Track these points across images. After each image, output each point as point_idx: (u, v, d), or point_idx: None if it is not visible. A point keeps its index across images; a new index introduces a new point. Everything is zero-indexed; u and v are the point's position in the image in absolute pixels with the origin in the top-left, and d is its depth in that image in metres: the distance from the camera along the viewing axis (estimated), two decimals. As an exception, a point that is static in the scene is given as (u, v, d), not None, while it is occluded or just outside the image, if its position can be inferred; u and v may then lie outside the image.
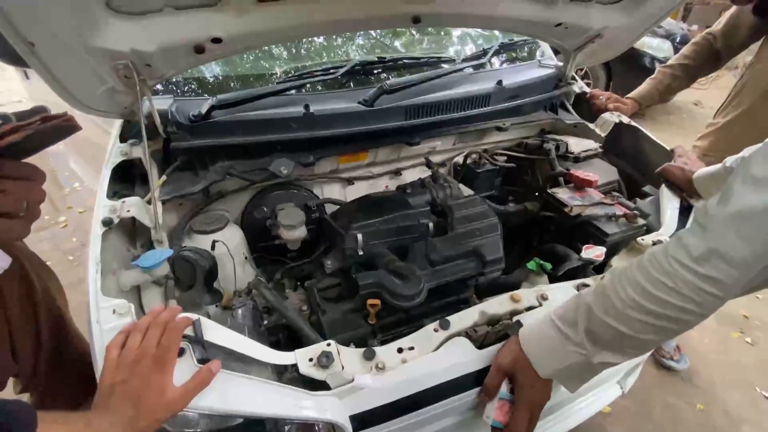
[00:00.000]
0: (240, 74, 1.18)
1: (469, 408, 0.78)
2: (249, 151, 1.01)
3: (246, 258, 1.04)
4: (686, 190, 1.08)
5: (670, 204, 1.09)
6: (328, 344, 0.69)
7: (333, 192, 1.27)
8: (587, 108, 1.54)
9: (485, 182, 1.38)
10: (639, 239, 0.99)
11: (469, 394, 0.75)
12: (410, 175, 1.37)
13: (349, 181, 1.27)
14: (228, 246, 0.94)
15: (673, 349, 1.86)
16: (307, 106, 1.01)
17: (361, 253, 0.97)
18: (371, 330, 0.88)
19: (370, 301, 0.85)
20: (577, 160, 1.35)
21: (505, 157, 1.40)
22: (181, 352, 0.59)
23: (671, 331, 0.57)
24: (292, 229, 0.96)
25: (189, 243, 0.94)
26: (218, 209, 1.07)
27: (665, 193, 1.13)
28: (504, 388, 0.73)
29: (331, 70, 1.16)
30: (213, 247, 0.91)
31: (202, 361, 0.60)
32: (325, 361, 0.65)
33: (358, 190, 1.30)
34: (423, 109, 1.14)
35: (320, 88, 1.16)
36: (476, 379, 0.75)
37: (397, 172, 1.34)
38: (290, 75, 1.17)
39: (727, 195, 0.50)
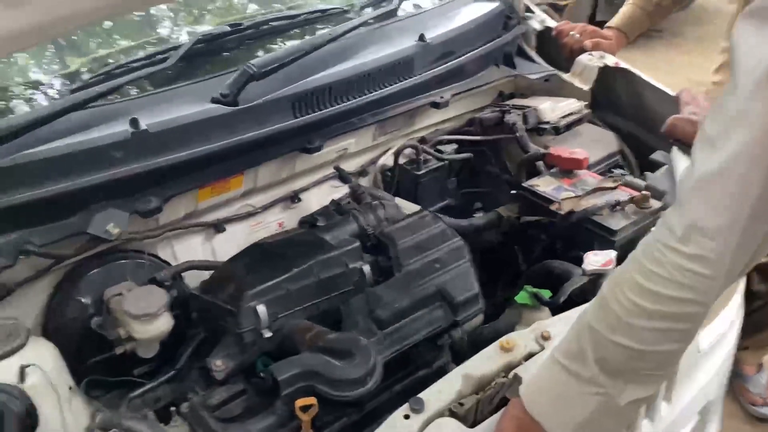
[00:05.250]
0: (6, 85, 1.32)
1: None
2: (47, 210, 1.13)
3: (71, 388, 1.13)
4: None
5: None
6: None
7: (192, 249, 1.42)
8: (556, 50, 1.94)
9: (433, 188, 1.65)
10: (656, 229, 1.33)
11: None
12: (315, 199, 1.59)
13: (218, 227, 1.45)
14: (47, 371, 1.04)
15: (765, 388, 2.32)
16: (134, 121, 1.18)
17: (268, 334, 1.14)
18: (310, 450, 1.04)
19: (299, 403, 1.01)
20: (557, 131, 1.70)
21: (455, 145, 1.70)
22: None
23: (683, 333, 0.83)
24: (151, 320, 1.11)
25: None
26: (1, 318, 1.14)
27: (678, 157, 1.51)
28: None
29: (159, 56, 1.35)
30: (23, 377, 1.00)
31: None
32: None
33: (235, 239, 1.47)
34: (318, 96, 1.38)
35: (148, 87, 1.34)
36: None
37: (295, 198, 1.55)
38: (94, 75, 1.34)
39: (692, 160, 0.81)
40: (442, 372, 1.20)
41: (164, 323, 1.12)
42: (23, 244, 1.11)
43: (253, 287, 1.18)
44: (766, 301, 2.11)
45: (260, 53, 1.52)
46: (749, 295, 1.70)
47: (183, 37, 1.70)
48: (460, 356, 1.24)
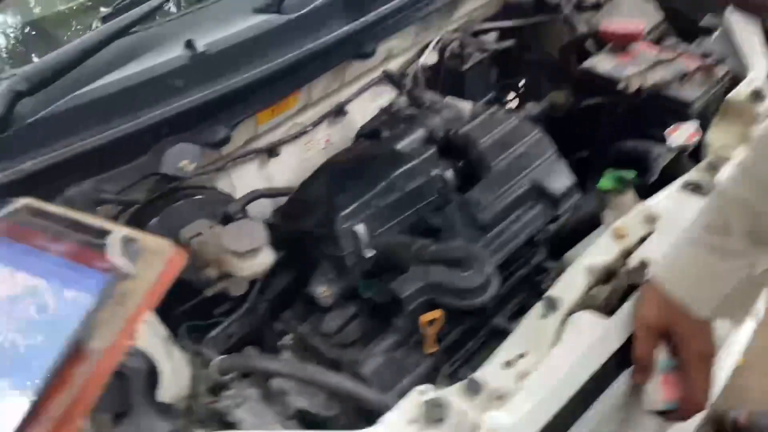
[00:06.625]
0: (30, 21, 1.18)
1: (619, 407, 1.02)
2: (112, 153, 1.06)
3: (168, 339, 1.08)
4: (761, 8, 1.44)
5: (746, 32, 1.43)
6: (422, 391, 0.82)
7: (249, 178, 1.36)
8: None
9: (478, 83, 1.59)
10: (731, 96, 1.31)
11: (618, 384, 0.97)
12: (359, 110, 1.52)
13: (271, 152, 1.38)
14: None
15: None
16: (190, 43, 1.09)
17: (370, 254, 1.12)
18: (433, 363, 1.05)
19: (425, 318, 1.00)
20: (597, 6, 1.63)
21: (496, 33, 1.63)
22: None
23: None
24: (255, 254, 1.05)
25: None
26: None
27: (735, 20, 1.47)
28: (661, 355, 0.98)
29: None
30: (134, 335, 0.97)
31: None
32: (437, 412, 0.79)
33: (288, 161, 1.41)
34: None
35: (180, 4, 1.26)
36: (618, 362, 0.96)
37: (340, 112, 1.48)
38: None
39: None
40: (540, 269, 1.23)
41: (268, 256, 1.07)
42: (97, 192, 1.04)
43: (344, 208, 1.14)
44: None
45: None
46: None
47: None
48: (553, 256, 1.24)
